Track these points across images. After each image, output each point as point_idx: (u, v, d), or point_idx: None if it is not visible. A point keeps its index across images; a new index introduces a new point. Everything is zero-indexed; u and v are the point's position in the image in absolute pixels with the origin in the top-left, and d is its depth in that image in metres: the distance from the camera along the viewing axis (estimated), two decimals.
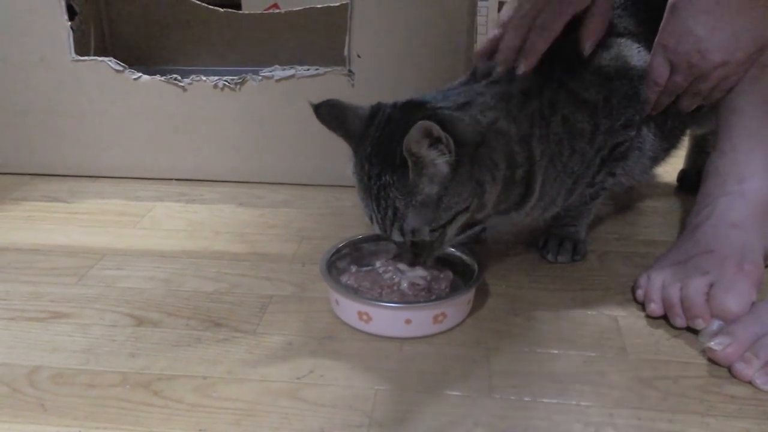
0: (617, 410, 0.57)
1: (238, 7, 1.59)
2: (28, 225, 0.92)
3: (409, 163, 0.61)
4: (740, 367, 0.61)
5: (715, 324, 0.65)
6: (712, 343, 0.63)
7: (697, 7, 0.69)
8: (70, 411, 0.57)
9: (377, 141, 0.64)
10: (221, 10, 1.38)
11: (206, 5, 1.35)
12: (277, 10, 1.51)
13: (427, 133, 0.59)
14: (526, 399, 0.59)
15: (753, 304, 0.66)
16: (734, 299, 0.66)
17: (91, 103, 1.02)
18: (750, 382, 0.60)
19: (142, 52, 1.33)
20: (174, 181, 1.05)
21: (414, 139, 0.59)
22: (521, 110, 0.70)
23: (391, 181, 0.62)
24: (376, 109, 0.67)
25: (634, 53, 0.78)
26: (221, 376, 0.61)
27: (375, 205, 0.64)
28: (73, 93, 1.01)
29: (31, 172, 1.06)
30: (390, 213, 0.63)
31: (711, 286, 0.67)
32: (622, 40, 0.78)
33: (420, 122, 0.58)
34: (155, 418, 0.56)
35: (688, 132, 0.93)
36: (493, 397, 0.59)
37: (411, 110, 0.65)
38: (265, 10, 1.55)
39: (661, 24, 0.74)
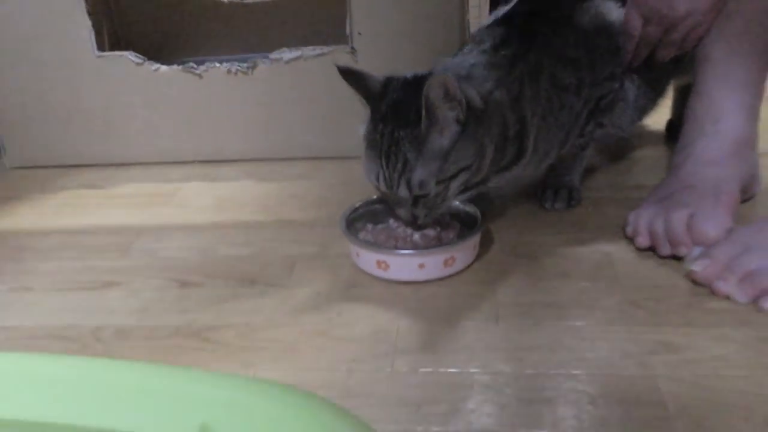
0: (610, 327, 0.66)
1: None
2: (71, 210, 1.00)
3: (423, 113, 0.68)
4: (719, 285, 0.69)
5: (697, 250, 0.73)
6: (694, 266, 0.71)
7: None
8: (135, 358, 0.66)
9: (391, 104, 0.72)
10: (226, 0, 1.45)
11: None
12: None
13: (444, 86, 0.67)
14: (529, 323, 0.67)
15: (729, 229, 0.74)
16: (712, 226, 0.73)
17: (116, 95, 1.10)
18: (728, 297, 0.68)
19: (153, 46, 1.41)
20: (197, 163, 1.13)
21: (433, 87, 0.67)
22: (510, 74, 0.77)
23: (404, 135, 0.69)
24: (390, 79, 0.74)
25: (612, 10, 0.85)
26: (261, 324, 0.70)
27: (384, 161, 0.71)
28: (98, 87, 1.09)
29: (67, 164, 1.14)
30: (399, 166, 0.70)
31: (691, 216, 0.75)
32: (599, 1, 0.85)
33: (441, 74, 0.66)
34: (208, 358, 0.65)
35: (671, 82, 1.00)
36: (501, 325, 0.67)
37: (422, 78, 0.72)
38: None
39: None
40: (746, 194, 0.84)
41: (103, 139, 1.13)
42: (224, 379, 0.36)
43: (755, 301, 0.66)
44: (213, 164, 1.13)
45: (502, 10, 0.88)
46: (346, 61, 1.04)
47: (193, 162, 1.13)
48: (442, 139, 0.70)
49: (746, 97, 0.83)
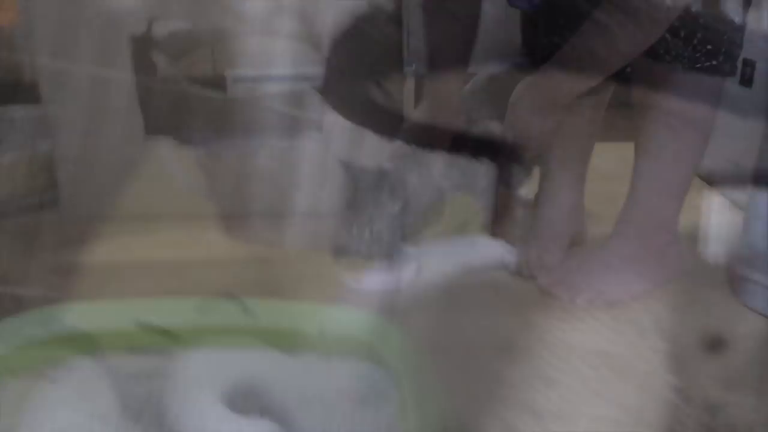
0: (497, 316, 1.16)
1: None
2: (130, 250, 1.40)
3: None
4: (553, 289, 1.21)
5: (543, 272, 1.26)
6: (541, 280, 1.23)
7: (517, 109, 1.29)
8: None
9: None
10: (205, 96, 1.90)
11: (210, 94, 1.86)
12: None
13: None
14: (453, 315, 1.16)
15: (561, 260, 1.27)
16: (551, 259, 1.27)
17: (150, 165, 1.53)
18: (557, 296, 1.20)
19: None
20: (210, 215, 1.56)
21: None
22: None
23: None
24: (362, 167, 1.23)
25: (496, 127, 1.39)
26: None
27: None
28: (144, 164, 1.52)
29: (105, 215, 1.54)
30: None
31: (540, 254, 1.28)
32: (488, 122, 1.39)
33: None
34: None
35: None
36: (437, 312, 1.16)
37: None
38: None
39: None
40: (576, 240, 1.38)
41: (136, 198, 1.54)
42: (318, 305, 0.79)
43: (572, 297, 1.19)
44: (224, 217, 1.56)
45: None
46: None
47: (206, 215, 1.56)
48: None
49: (574, 178, 1.38)
